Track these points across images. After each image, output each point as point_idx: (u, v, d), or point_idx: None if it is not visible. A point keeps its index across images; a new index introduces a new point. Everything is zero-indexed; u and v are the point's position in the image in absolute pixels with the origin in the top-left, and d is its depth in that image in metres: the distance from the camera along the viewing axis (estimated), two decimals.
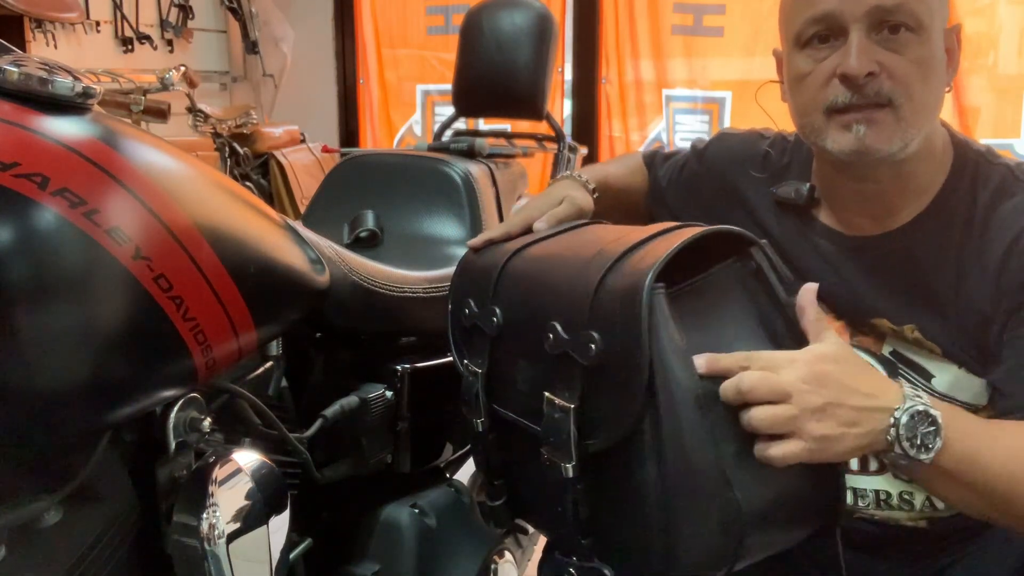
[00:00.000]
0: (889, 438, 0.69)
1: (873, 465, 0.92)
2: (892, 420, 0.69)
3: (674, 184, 1.10)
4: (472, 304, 0.84)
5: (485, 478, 0.89)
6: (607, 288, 0.70)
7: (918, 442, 0.69)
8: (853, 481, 0.92)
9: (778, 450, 0.66)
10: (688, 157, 1.11)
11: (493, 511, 0.88)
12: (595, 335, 0.69)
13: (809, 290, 0.70)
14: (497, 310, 0.81)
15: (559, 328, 0.72)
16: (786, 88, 0.92)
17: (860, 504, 0.93)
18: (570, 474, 0.71)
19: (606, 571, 0.74)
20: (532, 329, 0.75)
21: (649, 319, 0.66)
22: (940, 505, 0.91)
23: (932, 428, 0.69)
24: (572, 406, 0.71)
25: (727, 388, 0.66)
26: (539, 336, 0.74)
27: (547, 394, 0.73)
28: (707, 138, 1.13)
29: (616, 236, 0.77)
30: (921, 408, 0.69)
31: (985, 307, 0.84)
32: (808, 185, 0.95)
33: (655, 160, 1.14)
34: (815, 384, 0.67)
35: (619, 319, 0.68)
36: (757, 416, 0.66)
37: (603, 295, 0.70)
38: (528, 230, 0.90)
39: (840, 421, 0.67)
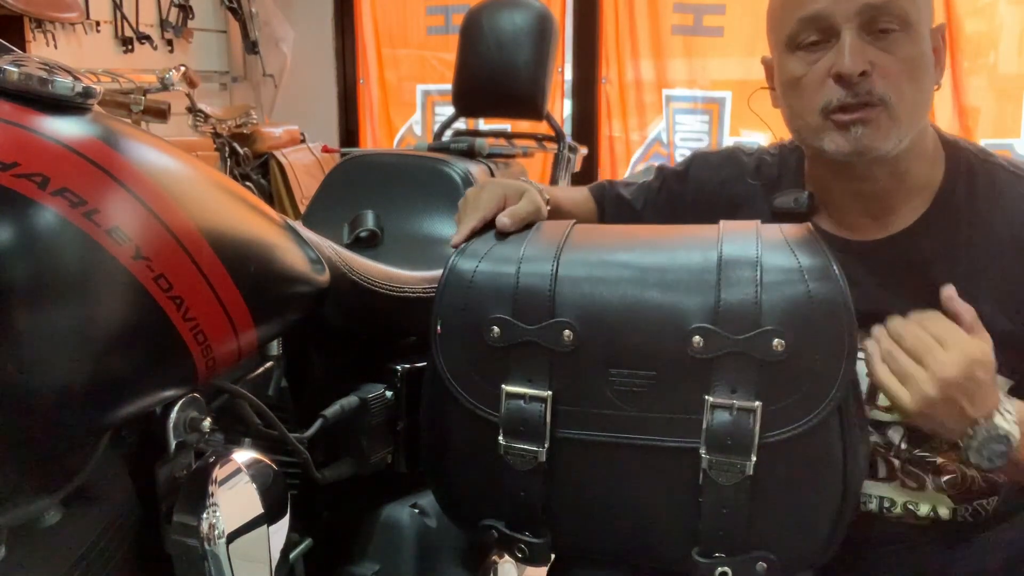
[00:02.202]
0: (962, 443, 0.78)
1: (882, 471, 0.92)
2: (971, 432, 0.78)
3: (651, 206, 1.10)
4: (516, 321, 0.79)
5: (521, 518, 0.82)
6: (779, 289, 0.74)
7: (985, 455, 0.78)
8: None
9: (903, 394, 0.78)
10: (664, 180, 1.11)
11: (534, 549, 0.82)
12: (780, 332, 0.72)
13: (950, 295, 0.83)
14: (574, 323, 0.77)
15: (718, 330, 0.73)
16: (779, 93, 0.92)
17: (862, 508, 0.92)
18: (750, 471, 0.73)
19: (771, 556, 0.76)
20: (635, 337, 0.76)
21: None
22: (945, 514, 0.91)
23: (1002, 448, 0.77)
24: (757, 404, 0.73)
25: (896, 325, 0.80)
26: (654, 343, 0.75)
27: (710, 398, 0.73)
28: (661, 164, 1.15)
29: (710, 234, 0.82)
30: (1000, 433, 0.77)
31: (1016, 308, 0.84)
32: (807, 193, 0.95)
33: (604, 193, 1.13)
34: (962, 377, 0.77)
35: (817, 319, 0.73)
36: (904, 362, 0.78)
37: (775, 296, 0.74)
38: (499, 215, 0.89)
39: (950, 412, 0.77)
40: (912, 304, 0.88)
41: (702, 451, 0.74)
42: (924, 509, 0.91)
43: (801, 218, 0.95)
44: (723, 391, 0.73)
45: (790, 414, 0.73)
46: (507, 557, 1.15)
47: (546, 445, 0.78)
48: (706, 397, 0.74)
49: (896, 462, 0.91)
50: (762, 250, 0.77)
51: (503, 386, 0.79)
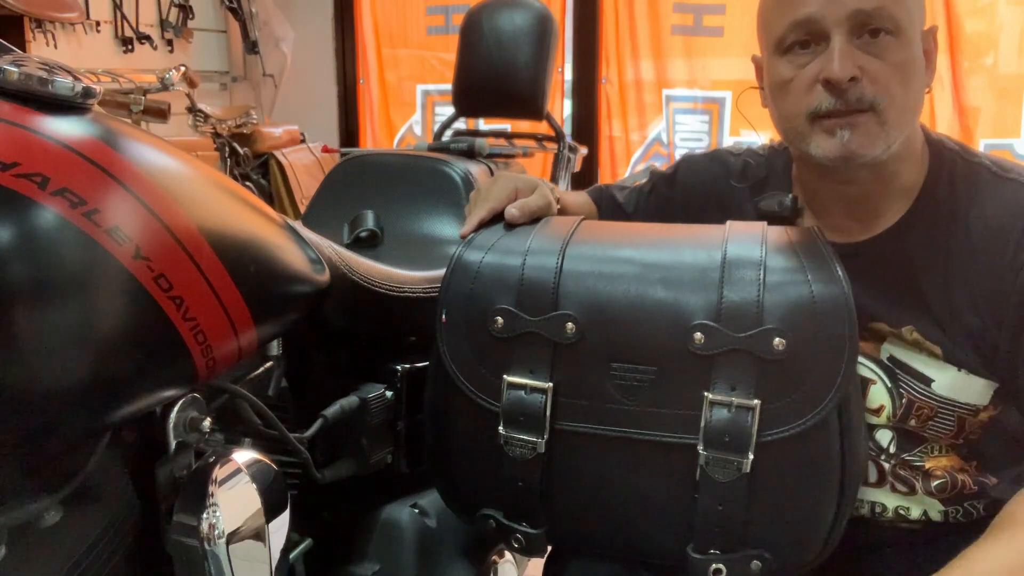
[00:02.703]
0: None
1: (872, 476, 0.92)
2: None
3: (641, 210, 1.11)
4: (520, 312, 0.79)
5: (519, 508, 0.83)
6: (782, 289, 0.75)
7: None
8: None
9: None
10: (654, 183, 1.12)
11: (531, 540, 0.83)
12: (782, 331, 0.72)
13: None
14: (577, 316, 0.78)
15: (719, 327, 0.73)
16: (767, 94, 0.92)
17: (855, 513, 0.92)
18: (747, 469, 0.73)
19: (766, 555, 0.76)
20: (638, 332, 0.76)
21: None
22: (936, 516, 0.91)
23: None
24: (756, 402, 0.73)
25: None
26: (655, 338, 0.75)
27: (709, 395, 0.74)
28: (657, 166, 1.15)
29: (715, 234, 0.82)
30: None
31: (987, 307, 0.84)
32: (791, 196, 0.95)
33: (601, 195, 1.15)
34: None
35: (820, 320, 0.73)
36: None
37: (778, 296, 0.74)
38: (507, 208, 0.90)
39: None
40: (896, 304, 0.88)
41: (700, 447, 0.74)
42: (915, 513, 0.91)
43: (784, 221, 0.95)
44: (723, 388, 0.74)
45: (789, 413, 0.73)
46: (507, 557, 1.15)
47: (545, 436, 0.78)
48: (705, 394, 0.74)
49: (886, 466, 0.91)
50: (766, 251, 0.78)
51: (504, 376, 0.80)
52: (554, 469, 0.80)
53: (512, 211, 0.90)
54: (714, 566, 0.76)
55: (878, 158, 0.84)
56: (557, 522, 0.83)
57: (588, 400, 0.78)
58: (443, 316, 0.84)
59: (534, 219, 0.91)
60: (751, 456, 0.73)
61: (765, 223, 0.85)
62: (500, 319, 0.80)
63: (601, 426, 0.78)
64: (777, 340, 0.72)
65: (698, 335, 0.74)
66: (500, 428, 0.80)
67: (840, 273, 0.75)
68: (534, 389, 0.78)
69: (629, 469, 0.78)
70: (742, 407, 0.73)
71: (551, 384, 0.78)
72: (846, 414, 0.76)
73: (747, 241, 0.79)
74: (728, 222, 0.86)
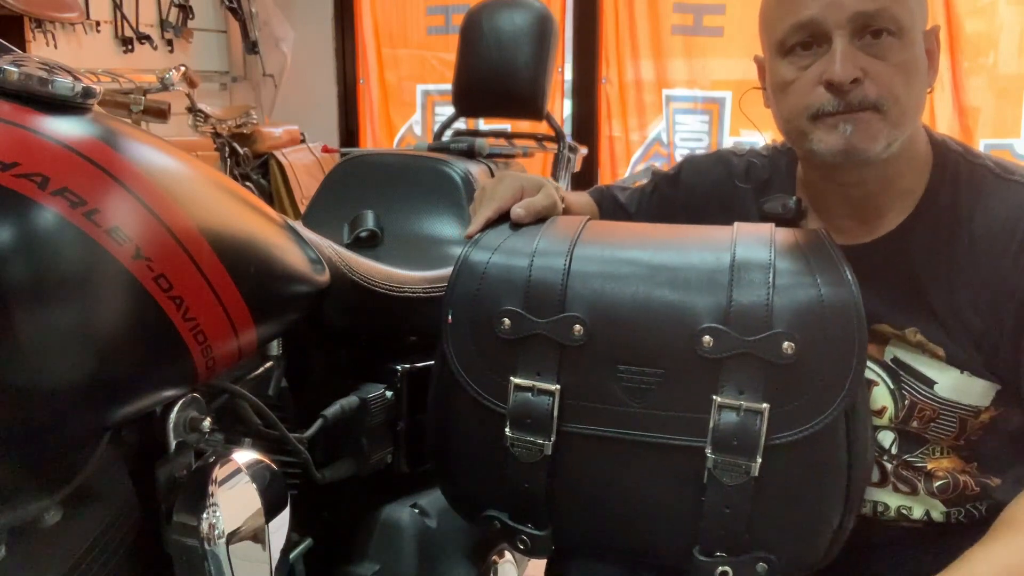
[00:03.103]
0: None
1: (875, 476, 0.92)
2: None
3: (644, 210, 1.11)
4: (527, 314, 0.79)
5: (525, 509, 0.83)
6: (791, 292, 0.74)
7: None
8: None
9: None
10: (656, 183, 1.11)
11: (536, 541, 0.83)
12: (791, 335, 0.72)
13: None
14: (584, 318, 0.78)
15: (728, 330, 0.73)
16: (770, 94, 0.92)
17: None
18: (754, 472, 0.73)
19: (772, 558, 0.76)
20: (645, 335, 0.76)
21: None
22: (938, 517, 0.91)
23: None
24: (765, 406, 0.72)
25: None
26: (663, 341, 0.75)
27: (718, 398, 0.73)
28: (657, 166, 1.14)
29: (723, 236, 0.81)
30: None
31: (989, 309, 0.84)
32: (795, 199, 0.94)
33: (603, 195, 1.15)
34: None
35: (828, 323, 0.73)
36: None
37: (787, 299, 0.74)
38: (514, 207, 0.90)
39: None
40: (899, 306, 0.88)
41: (708, 451, 0.74)
42: (918, 513, 0.91)
43: (788, 223, 0.94)
44: (731, 392, 0.73)
45: (797, 417, 0.73)
46: (507, 557, 1.15)
47: (552, 438, 0.78)
48: (714, 397, 0.74)
49: (888, 466, 0.91)
50: (775, 253, 0.77)
51: (511, 378, 0.79)
52: (560, 471, 0.80)
53: (518, 211, 0.89)
54: (720, 569, 0.76)
55: (879, 155, 0.83)
56: (562, 524, 0.83)
57: (595, 403, 0.78)
58: (449, 317, 0.83)
59: (540, 219, 0.91)
60: (759, 460, 0.73)
61: (773, 224, 0.85)
62: (507, 321, 0.79)
63: (608, 428, 0.77)
64: (786, 344, 0.72)
65: (707, 338, 0.74)
66: (507, 430, 0.79)
67: (849, 276, 0.75)
68: (541, 391, 0.78)
69: (635, 471, 0.78)
70: (751, 411, 0.73)
71: (558, 386, 0.78)
72: (853, 418, 0.76)
73: (755, 243, 0.79)
74: (736, 223, 0.85)
